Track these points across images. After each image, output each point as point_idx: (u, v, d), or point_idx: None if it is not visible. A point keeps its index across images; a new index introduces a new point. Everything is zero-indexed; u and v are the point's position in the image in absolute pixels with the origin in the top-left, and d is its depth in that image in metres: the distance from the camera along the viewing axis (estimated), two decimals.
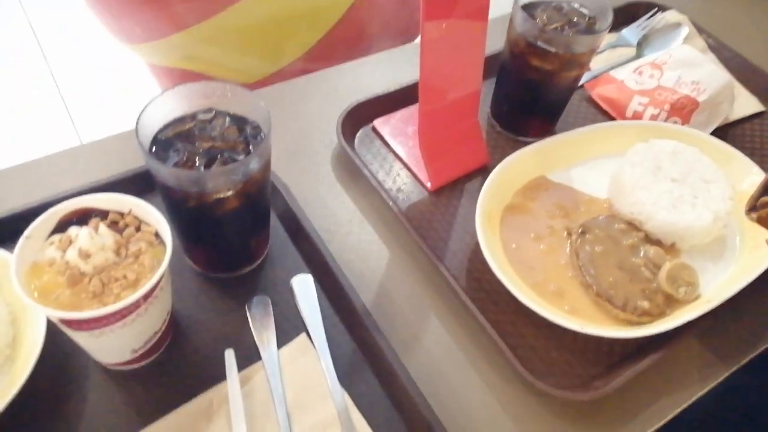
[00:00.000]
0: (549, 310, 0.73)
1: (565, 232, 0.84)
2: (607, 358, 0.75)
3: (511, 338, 0.74)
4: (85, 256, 0.60)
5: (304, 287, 0.78)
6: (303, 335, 0.74)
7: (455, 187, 0.92)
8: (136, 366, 0.69)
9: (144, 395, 0.68)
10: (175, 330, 0.72)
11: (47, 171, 0.88)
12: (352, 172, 0.93)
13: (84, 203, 0.65)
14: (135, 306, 0.59)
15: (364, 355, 0.73)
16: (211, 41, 1.67)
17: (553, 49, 0.86)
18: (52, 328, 0.65)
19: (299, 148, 0.96)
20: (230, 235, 0.74)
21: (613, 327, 0.75)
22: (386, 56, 1.13)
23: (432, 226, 0.87)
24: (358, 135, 0.97)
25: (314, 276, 0.78)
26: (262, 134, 0.70)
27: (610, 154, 0.93)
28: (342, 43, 1.77)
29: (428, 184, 0.91)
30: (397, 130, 0.97)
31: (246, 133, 0.70)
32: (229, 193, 0.66)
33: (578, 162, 0.93)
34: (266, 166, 0.70)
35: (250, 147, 0.69)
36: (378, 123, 0.98)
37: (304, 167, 0.93)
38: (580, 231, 0.82)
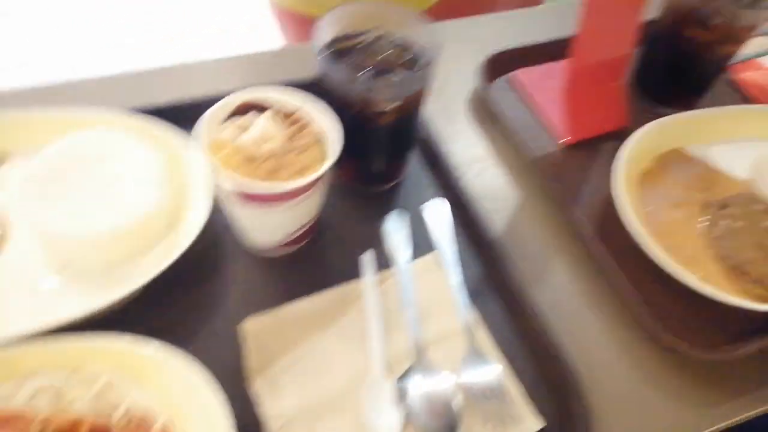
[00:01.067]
0: (682, 273, 0.73)
1: (703, 205, 0.83)
2: (735, 327, 0.74)
3: (637, 293, 0.75)
4: (261, 140, 0.64)
5: (439, 211, 0.81)
6: (435, 252, 0.77)
7: (590, 145, 0.92)
8: (281, 253, 0.74)
9: (285, 281, 0.73)
10: (318, 228, 0.76)
11: (224, 71, 0.94)
12: (489, 117, 0.94)
13: (262, 94, 0.69)
14: (304, 189, 0.64)
15: (492, 280, 0.75)
16: None
17: (715, 20, 0.85)
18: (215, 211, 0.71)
19: (439, 87, 0.97)
20: (380, 149, 0.78)
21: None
22: (528, 12, 1.13)
23: (564, 178, 0.88)
24: (497, 82, 0.99)
25: (449, 201, 0.81)
26: (427, 57, 0.72)
27: (755, 137, 0.91)
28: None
29: (564, 138, 0.91)
30: (538, 83, 0.98)
31: (412, 54, 0.73)
32: (391, 106, 0.69)
33: (720, 140, 0.92)
34: (427, 89, 0.73)
35: (415, 69, 0.71)
36: (519, 73, 0.99)
37: (442, 106, 0.95)
38: (719, 206, 0.81)
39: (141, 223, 0.68)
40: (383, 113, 0.71)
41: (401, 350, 0.68)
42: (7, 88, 0.88)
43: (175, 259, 0.67)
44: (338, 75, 0.69)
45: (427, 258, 0.76)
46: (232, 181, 0.62)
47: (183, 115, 0.78)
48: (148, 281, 0.65)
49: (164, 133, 0.77)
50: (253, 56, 0.99)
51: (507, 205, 0.84)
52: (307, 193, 0.65)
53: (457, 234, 0.79)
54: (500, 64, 0.99)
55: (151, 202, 0.69)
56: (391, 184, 0.83)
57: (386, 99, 0.69)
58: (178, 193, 0.75)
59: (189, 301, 0.70)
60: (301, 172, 0.65)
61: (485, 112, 0.95)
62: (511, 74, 1.00)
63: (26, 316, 0.66)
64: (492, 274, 0.75)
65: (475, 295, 0.73)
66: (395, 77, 0.69)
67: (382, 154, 0.79)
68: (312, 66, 0.73)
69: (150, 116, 0.77)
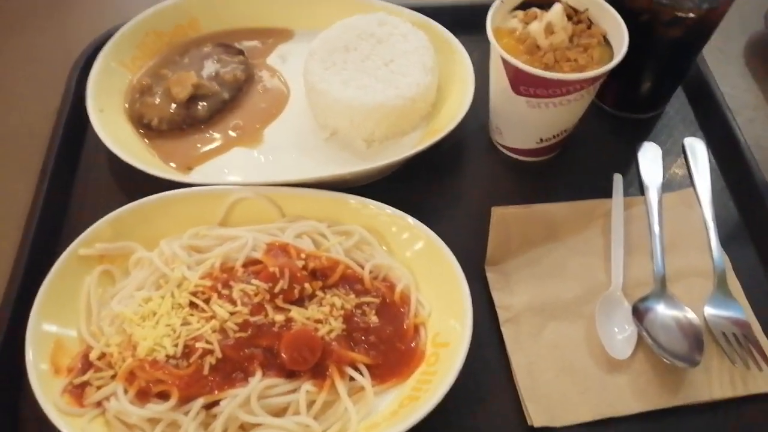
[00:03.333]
0: None
1: None
2: None
3: None
4: (549, 31, 0.64)
5: (696, 149, 0.76)
6: (690, 189, 0.72)
7: None
8: (532, 158, 0.75)
9: (531, 185, 0.73)
10: (571, 143, 0.75)
11: None
12: None
13: None
14: (580, 85, 0.62)
15: (750, 227, 0.70)
16: None
17: None
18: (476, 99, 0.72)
19: None
20: (653, 68, 0.73)
21: None
22: None
23: None
24: None
25: (709, 141, 0.76)
26: None
27: None
28: None
29: None
30: None
31: None
32: (687, 15, 0.65)
33: None
34: (726, 9, 0.67)
35: None
36: None
37: (718, 44, 0.87)
38: None
39: (408, 102, 0.72)
40: (674, 23, 0.66)
41: (640, 276, 0.66)
42: None
43: (433, 143, 0.69)
44: None
45: (681, 193, 0.72)
46: (513, 65, 0.62)
47: (452, 18, 0.80)
48: (406, 158, 0.69)
49: (436, 27, 0.79)
50: None
51: None
52: (579, 92, 0.63)
53: (715, 176, 0.74)
54: None
55: (420, 84, 0.72)
56: (651, 113, 0.79)
57: (684, 6, 0.64)
58: (444, 82, 0.77)
59: (439, 186, 0.73)
60: (582, 69, 0.63)
61: (765, 57, 0.86)
62: None
63: (295, 169, 0.73)
64: (751, 222, 0.70)
65: (728, 239, 0.68)
66: None
67: (652, 75, 0.75)
68: None
69: (423, 13, 0.80)
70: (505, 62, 0.63)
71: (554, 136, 0.71)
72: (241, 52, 0.82)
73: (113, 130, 0.73)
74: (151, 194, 0.66)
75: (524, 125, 0.70)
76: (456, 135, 0.71)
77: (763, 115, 0.81)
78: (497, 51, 0.63)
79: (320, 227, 0.66)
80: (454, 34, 0.78)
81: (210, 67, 0.79)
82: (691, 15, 0.65)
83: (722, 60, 0.86)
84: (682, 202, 0.71)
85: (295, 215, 0.68)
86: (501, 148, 0.76)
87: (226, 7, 0.83)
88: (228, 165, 0.73)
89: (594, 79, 0.62)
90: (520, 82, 0.64)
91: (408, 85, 0.72)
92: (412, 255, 0.65)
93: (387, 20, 0.77)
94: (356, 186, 0.69)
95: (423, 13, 0.80)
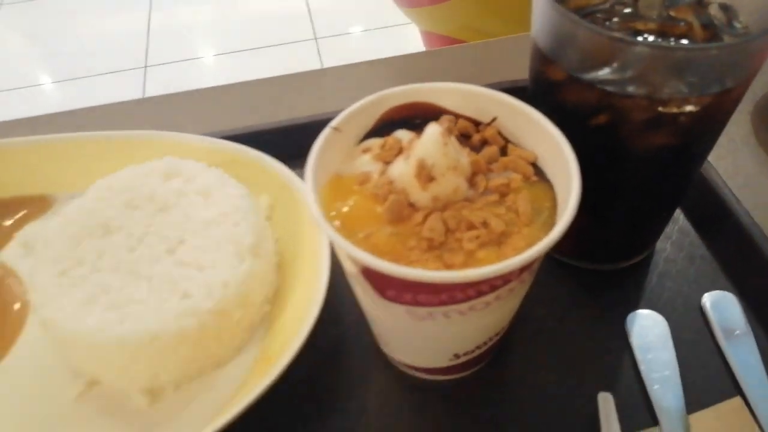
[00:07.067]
0: None
1: None
2: None
3: None
4: (426, 175, 0.33)
5: (726, 313, 0.44)
6: (737, 399, 0.40)
7: None
8: (446, 378, 0.42)
9: (450, 423, 0.40)
10: (508, 340, 0.43)
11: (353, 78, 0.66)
12: None
13: (424, 95, 0.38)
14: (503, 281, 0.31)
15: None
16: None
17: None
18: (334, 288, 0.41)
19: None
20: (630, 196, 0.43)
21: None
22: None
23: None
24: None
25: (742, 291, 0.45)
26: (740, 21, 0.38)
27: None
28: None
29: None
30: None
31: (710, 17, 0.39)
32: (686, 108, 0.35)
33: None
34: (746, 86, 0.37)
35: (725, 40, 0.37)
36: None
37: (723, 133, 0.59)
38: None
39: (211, 318, 0.40)
40: (658, 124, 0.36)
41: None
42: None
43: (271, 381, 0.37)
44: (581, 47, 0.35)
45: (723, 407, 0.40)
46: (360, 263, 0.31)
47: (290, 144, 0.49)
48: (224, 425, 0.36)
49: (262, 165, 0.49)
50: (398, 59, 0.69)
51: None
52: (510, 284, 0.32)
53: None
54: None
55: (230, 282, 0.41)
56: (635, 260, 0.48)
57: (678, 94, 0.34)
58: (289, 254, 0.46)
59: None
60: (500, 239, 0.32)
61: None
62: None
63: None
64: None
65: None
66: (709, 49, 0.35)
67: (630, 207, 0.44)
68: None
69: (239, 143, 0.50)
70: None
71: (478, 347, 0.38)
72: None
73: None
74: None
75: (419, 341, 0.38)
76: (321, 345, 0.40)
77: None
78: (330, 235, 0.32)
79: None
80: (292, 168, 0.47)
81: None
82: (689, 108, 0.35)
83: (735, 153, 0.56)
84: (729, 426, 0.39)
85: None
86: (396, 364, 0.43)
87: None
88: None
89: (522, 269, 0.31)
90: (385, 285, 0.32)
91: (207, 286, 0.40)
92: None
93: (177, 168, 0.46)
94: None
95: (239, 140, 0.49)
